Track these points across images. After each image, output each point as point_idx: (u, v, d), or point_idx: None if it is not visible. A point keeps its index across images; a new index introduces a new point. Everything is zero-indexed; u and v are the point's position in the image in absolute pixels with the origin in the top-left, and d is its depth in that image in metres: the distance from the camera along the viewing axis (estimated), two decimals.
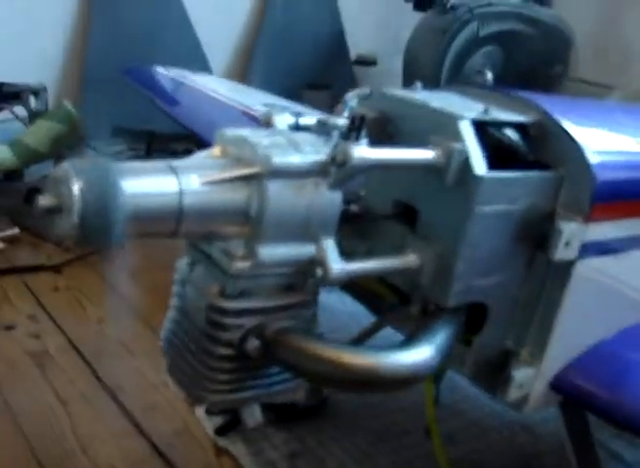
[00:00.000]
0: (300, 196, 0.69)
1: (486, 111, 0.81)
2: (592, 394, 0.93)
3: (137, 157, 3.16)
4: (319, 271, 0.72)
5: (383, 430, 1.48)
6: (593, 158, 0.83)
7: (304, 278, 0.74)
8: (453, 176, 0.76)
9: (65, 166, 0.62)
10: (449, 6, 3.14)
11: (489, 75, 3.38)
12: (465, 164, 0.75)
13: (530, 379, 0.91)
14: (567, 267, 0.85)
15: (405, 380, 0.72)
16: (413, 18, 3.30)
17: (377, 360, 0.70)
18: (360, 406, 1.54)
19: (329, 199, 0.71)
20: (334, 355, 0.69)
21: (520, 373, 0.90)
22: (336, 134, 0.83)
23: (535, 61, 3.28)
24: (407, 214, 0.84)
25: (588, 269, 0.88)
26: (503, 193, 0.78)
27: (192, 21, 3.29)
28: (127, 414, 1.50)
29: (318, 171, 0.69)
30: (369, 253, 0.89)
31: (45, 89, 2.75)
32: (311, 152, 0.70)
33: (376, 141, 0.86)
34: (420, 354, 0.73)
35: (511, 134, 0.82)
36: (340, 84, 3.43)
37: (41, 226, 0.69)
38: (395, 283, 0.88)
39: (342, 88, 3.76)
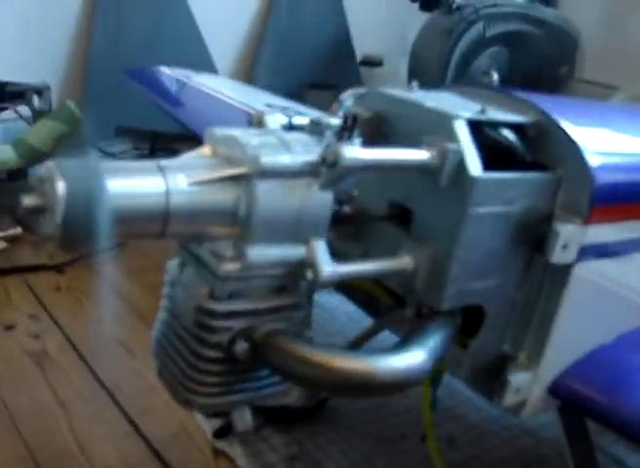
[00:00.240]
0: (289, 197, 0.68)
1: (482, 111, 0.79)
2: (591, 399, 0.92)
3: (140, 157, 3.17)
4: (309, 273, 0.71)
5: (381, 434, 1.46)
6: (592, 159, 0.81)
7: (295, 280, 0.73)
8: (447, 177, 0.74)
9: (50, 165, 0.61)
10: (455, 6, 3.12)
11: (495, 76, 3.38)
12: (460, 164, 0.74)
13: (527, 384, 0.89)
14: (565, 270, 0.83)
15: (397, 385, 0.70)
16: (419, 18, 3.28)
17: (368, 364, 0.68)
18: (358, 409, 1.53)
19: (320, 200, 0.70)
20: (323, 359, 0.68)
21: (517, 378, 0.88)
22: (329, 133, 0.82)
23: (541, 62, 3.26)
24: (401, 216, 0.83)
25: (587, 272, 0.86)
26: (499, 194, 0.77)
27: (197, 22, 3.28)
28: (125, 415, 1.50)
29: (309, 171, 0.68)
30: (364, 255, 0.87)
31: (49, 88, 2.75)
32: (302, 152, 0.69)
33: (370, 141, 0.84)
34: (413, 358, 0.72)
35: (508, 134, 0.80)
36: (345, 85, 3.40)
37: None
38: (390, 285, 0.87)
39: (348, 89, 3.74)
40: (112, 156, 3.05)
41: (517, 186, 0.78)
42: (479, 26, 3.05)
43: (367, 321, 1.16)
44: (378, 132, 0.85)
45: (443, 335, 0.78)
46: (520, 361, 0.90)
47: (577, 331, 0.91)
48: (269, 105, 2.29)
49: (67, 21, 3.11)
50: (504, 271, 0.83)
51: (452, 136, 0.75)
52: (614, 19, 3.69)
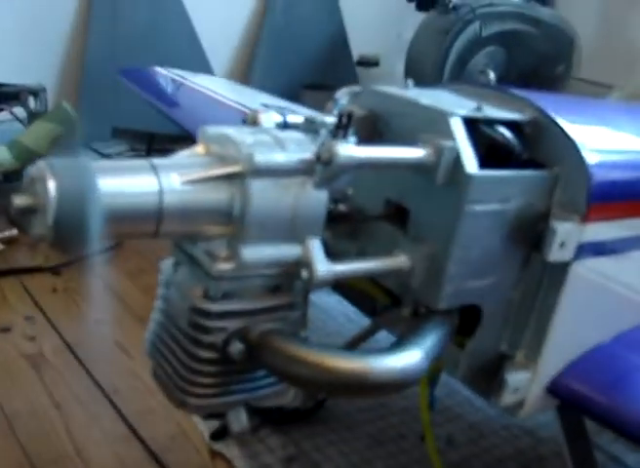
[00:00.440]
0: (284, 195, 0.67)
1: (478, 108, 0.79)
2: (589, 398, 0.91)
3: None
4: (304, 272, 0.70)
5: (380, 434, 1.46)
6: (590, 157, 0.81)
7: (290, 279, 0.72)
8: (443, 175, 0.74)
9: (41, 164, 0.60)
10: (451, 6, 3.12)
11: (491, 75, 3.37)
12: (456, 162, 0.73)
13: (525, 383, 0.89)
14: (563, 268, 0.83)
15: (394, 385, 0.70)
16: (415, 18, 3.28)
17: (363, 364, 0.68)
18: (357, 409, 1.52)
19: (314, 198, 0.69)
20: (318, 358, 0.67)
21: (515, 377, 0.87)
22: (323, 132, 0.82)
23: (537, 62, 3.26)
24: (397, 214, 0.82)
25: (585, 270, 0.86)
26: (496, 192, 0.76)
27: (193, 22, 3.27)
28: (122, 418, 1.49)
29: (303, 169, 0.67)
30: (360, 254, 0.87)
31: (44, 90, 2.75)
32: (297, 150, 0.68)
33: (365, 140, 0.84)
34: (409, 358, 0.71)
35: (505, 131, 0.79)
36: (341, 85, 3.40)
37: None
38: (387, 285, 0.86)
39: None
40: (108, 157, 3.04)
41: (514, 184, 0.78)
42: (475, 26, 3.05)
43: (364, 321, 1.15)
44: (373, 130, 0.84)
45: (440, 335, 0.77)
46: (518, 360, 0.89)
47: (575, 329, 0.90)
48: (266, 105, 2.29)
49: (63, 23, 3.11)
50: (501, 270, 0.83)
51: (448, 134, 0.74)
52: (609, 17, 3.69)
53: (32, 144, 2.48)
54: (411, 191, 0.80)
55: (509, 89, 0.88)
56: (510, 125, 0.81)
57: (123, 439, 1.43)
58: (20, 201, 0.60)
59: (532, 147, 0.82)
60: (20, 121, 2.71)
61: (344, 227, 0.82)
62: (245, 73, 3.47)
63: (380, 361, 0.69)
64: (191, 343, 0.71)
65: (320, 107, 3.08)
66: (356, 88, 0.91)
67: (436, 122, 0.76)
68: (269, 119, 0.78)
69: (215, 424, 1.43)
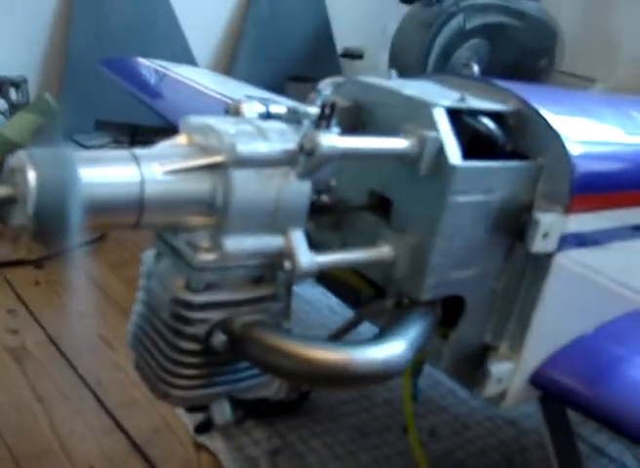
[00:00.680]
0: (267, 186, 0.67)
1: (462, 99, 0.79)
2: (572, 389, 0.91)
3: None
4: (287, 264, 0.70)
5: (364, 426, 1.46)
6: (573, 148, 0.81)
7: (273, 270, 0.72)
8: (426, 166, 0.73)
9: (21, 155, 0.59)
10: None
11: (475, 68, 3.37)
12: (440, 153, 0.73)
13: (508, 374, 0.89)
14: (546, 259, 0.83)
15: (376, 376, 0.69)
16: (399, 10, 3.28)
17: (345, 355, 0.67)
18: (341, 401, 1.52)
19: (297, 189, 0.69)
20: (300, 350, 0.67)
21: (498, 368, 0.88)
22: (306, 122, 0.81)
23: (521, 55, 3.27)
24: (381, 205, 0.82)
25: (568, 261, 0.86)
26: (479, 183, 0.76)
27: (177, 13, 3.25)
28: (106, 411, 1.48)
29: (286, 160, 0.67)
30: (343, 245, 0.86)
31: (26, 81, 2.72)
32: (279, 141, 0.68)
33: (349, 130, 0.83)
34: (392, 349, 0.71)
35: (488, 122, 0.79)
36: (325, 77, 3.40)
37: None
38: (370, 276, 0.86)
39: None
40: (90, 149, 3.02)
41: (497, 175, 0.78)
42: (459, 18, 3.04)
43: (348, 313, 1.15)
44: (356, 120, 0.84)
45: (423, 326, 0.77)
46: (501, 351, 0.89)
47: (558, 320, 0.91)
48: (249, 97, 2.28)
49: (45, 13, 3.07)
50: (485, 261, 0.83)
51: (431, 125, 0.74)
52: (591, 11, 3.70)
53: (14, 136, 2.46)
54: (394, 182, 0.80)
55: (493, 80, 0.88)
56: (494, 116, 0.81)
57: (107, 432, 1.43)
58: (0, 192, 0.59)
59: (515, 138, 0.82)
60: (2, 113, 2.68)
61: (328, 218, 0.82)
62: (228, 65, 3.45)
63: (362, 352, 0.69)
64: (173, 335, 0.70)
65: (303, 99, 3.08)
66: (339, 78, 0.91)
67: (419, 112, 0.75)
68: (252, 109, 0.78)
69: (199, 417, 1.42)
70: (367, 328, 1.05)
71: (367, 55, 3.69)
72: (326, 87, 0.88)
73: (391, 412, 1.48)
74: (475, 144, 0.78)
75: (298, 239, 0.70)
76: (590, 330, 0.97)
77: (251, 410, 1.38)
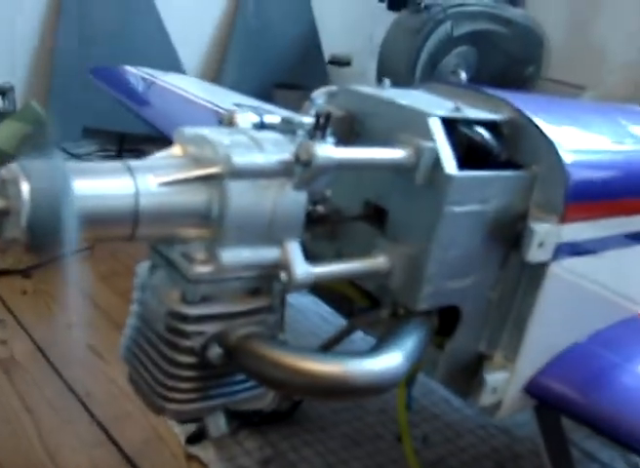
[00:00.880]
0: (263, 197, 0.66)
1: (457, 109, 0.79)
2: (566, 397, 0.91)
3: (107, 158, 3.12)
4: (283, 275, 0.69)
5: (357, 434, 1.45)
6: (567, 157, 0.81)
7: (269, 282, 0.72)
8: (423, 176, 0.73)
9: (14, 166, 0.59)
10: (423, 6, 3.13)
11: (463, 75, 3.41)
12: (436, 163, 0.73)
13: (503, 384, 0.89)
14: (541, 268, 0.83)
15: (373, 388, 0.69)
16: (387, 17, 3.29)
17: (343, 367, 0.67)
18: (333, 410, 1.52)
19: (293, 200, 0.68)
20: (298, 362, 0.66)
21: (494, 378, 0.88)
22: (301, 132, 0.81)
23: (508, 62, 3.29)
24: (376, 215, 0.81)
25: (563, 270, 0.86)
26: (475, 193, 0.76)
27: (164, 21, 3.24)
28: (96, 422, 1.46)
29: (282, 170, 0.67)
30: (338, 255, 0.86)
31: (12, 89, 2.70)
32: (275, 151, 0.67)
33: (343, 140, 0.83)
34: (389, 361, 0.70)
35: (483, 132, 0.79)
36: (313, 84, 3.39)
37: None
38: (365, 286, 0.85)
39: (316, 88, 3.72)
40: (78, 158, 3.00)
41: (493, 185, 0.78)
42: (447, 26, 3.06)
43: (339, 321, 1.15)
44: (350, 130, 0.84)
45: (419, 336, 0.77)
46: (496, 360, 0.89)
47: (552, 329, 0.91)
48: (238, 105, 2.27)
49: (32, 20, 3.05)
50: (480, 270, 0.83)
51: (427, 135, 0.74)
52: (579, 18, 3.73)
53: (1, 144, 2.44)
54: (389, 192, 0.80)
55: (485, 88, 0.88)
56: (488, 125, 0.81)
57: (97, 444, 1.41)
58: None
59: (510, 147, 0.82)
60: None
61: (322, 229, 0.82)
62: (216, 72, 3.44)
63: (359, 364, 0.68)
64: (169, 348, 0.70)
65: (292, 106, 3.08)
66: (333, 87, 0.91)
67: (415, 122, 0.75)
68: (246, 119, 0.77)
69: (191, 428, 1.41)
70: (360, 336, 1.05)
71: (354, 62, 3.69)
72: (319, 96, 0.88)
73: (384, 421, 1.48)
74: (470, 154, 0.78)
75: (293, 250, 0.70)
76: (584, 337, 0.97)
77: (245, 422, 1.37)
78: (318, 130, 0.73)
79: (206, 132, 0.70)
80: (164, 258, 0.71)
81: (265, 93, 3.09)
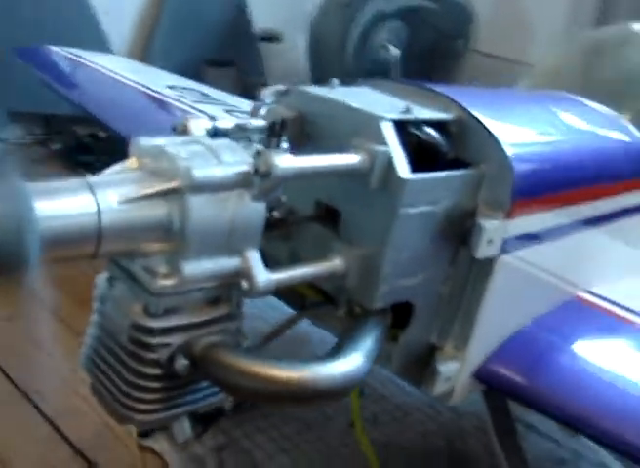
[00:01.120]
0: (223, 209, 0.67)
1: (407, 110, 0.80)
2: (511, 382, 0.95)
3: (36, 142, 3.05)
4: (245, 284, 0.70)
5: (310, 418, 1.48)
6: (513, 155, 0.83)
7: (230, 290, 0.72)
8: (376, 180, 0.75)
9: None
10: None
11: (394, 50, 3.43)
12: (389, 167, 0.74)
13: (456, 372, 0.92)
14: (489, 263, 0.86)
15: (337, 391, 0.71)
16: None
17: (308, 372, 0.68)
18: None
19: (253, 210, 0.69)
20: (265, 371, 0.67)
21: (446, 368, 0.90)
22: (256, 138, 0.81)
23: (437, 36, 3.33)
24: (328, 216, 0.83)
25: (510, 262, 0.89)
26: (427, 194, 0.78)
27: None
28: (45, 418, 1.45)
29: (241, 182, 0.67)
30: (291, 255, 0.87)
31: None
32: (233, 162, 0.67)
33: (295, 142, 0.84)
34: (351, 363, 0.72)
35: (433, 132, 0.81)
36: (244, 61, 3.37)
37: None
38: (320, 285, 0.87)
39: (247, 65, 3.70)
40: (6, 143, 2.92)
41: (444, 185, 0.80)
42: (378, 1, 3.06)
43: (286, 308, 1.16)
44: (301, 131, 0.84)
45: (377, 334, 0.79)
46: (447, 350, 0.92)
47: (499, 317, 0.94)
48: (171, 87, 2.24)
49: None
50: (431, 266, 0.85)
51: (379, 138, 0.75)
52: None
53: None
54: (341, 194, 0.81)
55: (431, 86, 0.90)
56: (437, 124, 0.83)
57: (48, 440, 1.41)
58: None
59: (457, 146, 0.84)
60: None
61: (279, 232, 0.82)
62: (144, 51, 3.36)
63: (323, 368, 0.70)
64: (133, 360, 0.70)
65: (221, 84, 3.06)
66: (281, 86, 0.91)
67: (368, 126, 0.76)
68: (199, 126, 0.77)
69: None
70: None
71: (285, 37, 3.65)
72: (269, 96, 0.88)
73: (336, 405, 1.51)
74: (419, 153, 0.80)
75: (253, 258, 0.71)
76: (528, 323, 1.01)
77: (209, 423, 1.38)
78: (273, 137, 0.73)
79: (162, 143, 0.69)
80: (124, 271, 0.71)
81: (195, 70, 3.05)
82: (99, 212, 0.62)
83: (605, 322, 1.08)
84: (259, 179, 0.67)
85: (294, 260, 0.85)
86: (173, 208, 0.65)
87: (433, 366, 0.91)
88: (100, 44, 3.05)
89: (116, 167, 0.69)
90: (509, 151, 0.83)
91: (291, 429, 1.44)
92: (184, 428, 0.77)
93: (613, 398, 0.94)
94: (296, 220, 0.83)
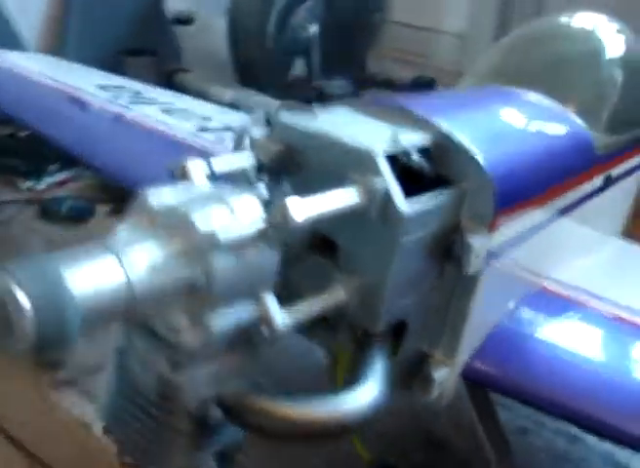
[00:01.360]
0: (242, 261, 0.68)
1: (395, 139, 0.82)
2: (489, 375, 1.02)
3: None
4: (264, 328, 0.72)
5: None
6: (492, 170, 0.87)
7: (249, 334, 0.74)
8: (376, 213, 0.77)
9: (5, 278, 0.57)
10: None
11: (313, 29, 3.42)
12: (387, 199, 0.77)
13: (447, 377, 0.96)
14: (475, 274, 0.90)
15: (366, 419, 0.74)
16: None
17: (338, 409, 0.72)
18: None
19: (270, 258, 0.71)
20: (299, 413, 0.70)
21: (439, 374, 0.94)
22: (260, 183, 0.82)
23: (354, 11, 3.34)
24: (325, 246, 0.85)
25: (491, 268, 0.94)
26: (422, 221, 0.81)
27: None
28: (16, 444, 1.43)
29: (259, 236, 0.68)
30: (286, 285, 0.88)
31: None
32: (249, 216, 0.68)
33: (285, 173, 0.85)
34: (374, 390, 0.76)
35: (418, 158, 0.84)
36: (161, 47, 3.29)
37: None
38: None
39: (165, 51, 3.60)
40: None
41: (435, 210, 0.83)
42: None
43: None
44: (291, 162, 0.85)
45: (385, 356, 0.83)
46: (437, 357, 0.96)
47: (482, 318, 0.99)
48: (103, 87, 2.18)
49: None
50: (422, 283, 0.88)
51: (376, 173, 0.77)
52: None
53: None
54: (338, 225, 0.82)
55: (405, 106, 0.92)
56: (421, 149, 0.85)
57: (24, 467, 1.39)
58: None
59: (438, 166, 0.87)
60: None
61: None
62: (57, 44, 3.23)
63: (351, 402, 0.73)
64: (164, 414, 0.71)
65: (141, 74, 3.00)
66: (259, 113, 0.91)
67: (363, 160, 0.78)
68: (199, 171, 0.77)
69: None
70: None
71: (199, 18, 3.58)
72: (250, 129, 0.88)
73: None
74: (402, 174, 0.82)
75: (270, 301, 0.72)
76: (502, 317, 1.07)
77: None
78: (272, 180, 0.74)
79: (171, 197, 0.69)
80: (145, 327, 0.71)
81: (114, 61, 2.97)
82: (129, 282, 0.62)
83: (566, 308, 1.15)
84: (274, 230, 0.68)
85: (289, 291, 0.86)
86: (196, 266, 0.66)
87: (427, 374, 0.95)
88: (13, 42, 2.93)
89: (128, 223, 0.69)
90: (489, 168, 0.87)
91: None
92: (210, 464, 0.79)
93: (577, 379, 1.01)
94: (294, 252, 0.85)
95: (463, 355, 0.98)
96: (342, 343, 0.87)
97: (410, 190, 0.80)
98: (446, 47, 3.97)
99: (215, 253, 0.66)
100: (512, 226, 0.95)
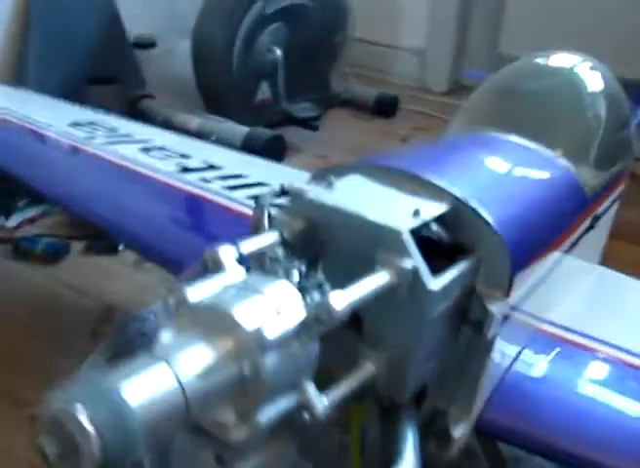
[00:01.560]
0: (287, 354, 0.69)
1: (416, 213, 0.83)
2: (499, 427, 1.04)
3: None
4: (306, 415, 0.73)
5: None
6: (506, 235, 0.89)
7: (291, 420, 0.75)
8: (405, 292, 0.79)
9: (62, 398, 0.57)
10: None
11: (278, 52, 3.44)
12: (415, 279, 0.79)
13: (464, 432, 0.98)
14: (493, 337, 0.92)
15: None
16: None
17: None
18: None
19: (311, 347, 0.72)
20: None
21: (457, 432, 0.96)
22: (294, 273, 0.82)
23: (317, 33, 3.37)
24: (351, 320, 0.86)
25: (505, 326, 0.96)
26: (447, 294, 0.83)
27: None
28: None
29: (303, 331, 0.70)
30: None
31: None
32: (290, 309, 0.69)
33: (310, 250, 0.86)
34: (414, 463, 0.78)
35: (438, 230, 0.86)
36: (124, 74, 3.26)
37: None
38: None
39: (128, 77, 3.56)
40: None
41: (457, 281, 0.85)
42: (259, 4, 3.05)
43: None
44: (314, 239, 0.86)
45: (415, 429, 0.84)
46: (454, 414, 0.98)
47: (493, 372, 1.01)
48: (74, 124, 2.15)
49: None
50: (442, 350, 0.90)
51: (403, 252, 0.79)
52: None
53: None
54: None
55: (421, 174, 0.93)
56: (438, 219, 0.87)
57: None
58: (52, 449, 0.56)
59: (453, 233, 0.89)
60: None
61: None
62: (17, 74, 3.17)
63: None
64: None
65: (105, 102, 2.96)
66: (275, 188, 0.92)
67: (389, 239, 0.79)
68: (229, 257, 0.77)
69: None
70: None
71: (159, 41, 3.56)
72: (268, 206, 0.89)
73: None
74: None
75: (310, 388, 0.73)
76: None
77: None
78: (310, 273, 0.76)
79: (208, 292, 0.70)
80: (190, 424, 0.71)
81: (77, 90, 2.94)
82: (183, 390, 0.62)
83: (562, 350, 1.18)
84: (318, 325, 0.69)
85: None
86: (244, 364, 0.67)
87: (446, 432, 0.97)
88: None
89: (171, 326, 0.69)
90: (503, 232, 0.89)
91: None
92: None
93: (583, 425, 1.04)
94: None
95: (477, 409, 1.01)
96: (369, 417, 0.89)
97: (428, 259, 0.82)
98: (407, 63, 4.03)
99: (264, 352, 0.67)
100: (524, 284, 0.98)
